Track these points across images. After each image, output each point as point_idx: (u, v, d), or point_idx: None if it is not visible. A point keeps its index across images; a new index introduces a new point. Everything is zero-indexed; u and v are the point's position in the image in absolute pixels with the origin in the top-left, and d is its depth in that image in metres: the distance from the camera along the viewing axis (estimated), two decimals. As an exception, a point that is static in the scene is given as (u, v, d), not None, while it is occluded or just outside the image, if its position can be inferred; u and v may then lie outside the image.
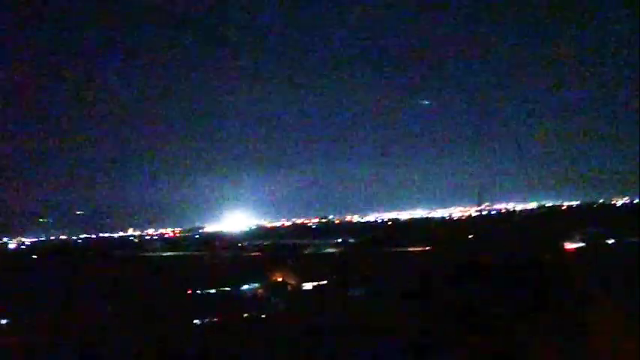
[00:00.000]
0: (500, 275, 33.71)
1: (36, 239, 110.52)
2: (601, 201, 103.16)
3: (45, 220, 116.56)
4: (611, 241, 53.18)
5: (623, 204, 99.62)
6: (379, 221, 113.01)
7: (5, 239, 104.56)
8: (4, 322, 35.66)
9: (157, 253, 79.16)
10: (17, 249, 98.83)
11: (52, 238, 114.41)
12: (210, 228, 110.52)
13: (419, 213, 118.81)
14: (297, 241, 76.84)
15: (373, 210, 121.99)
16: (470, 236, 68.42)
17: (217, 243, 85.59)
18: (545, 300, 27.81)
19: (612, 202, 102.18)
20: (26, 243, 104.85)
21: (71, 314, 34.05)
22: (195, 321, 36.42)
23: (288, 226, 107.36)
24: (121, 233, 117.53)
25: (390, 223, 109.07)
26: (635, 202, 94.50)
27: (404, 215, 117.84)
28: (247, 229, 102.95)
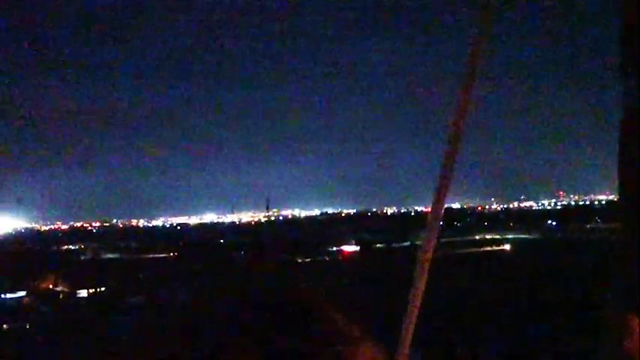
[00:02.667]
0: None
1: None
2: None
3: None
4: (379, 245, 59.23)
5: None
6: (167, 225, 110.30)
7: None
8: None
9: None
10: None
11: None
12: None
13: (209, 218, 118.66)
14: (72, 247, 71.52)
15: (161, 214, 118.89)
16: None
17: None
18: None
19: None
20: None
21: None
22: None
23: (65, 230, 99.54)
24: None
25: (178, 227, 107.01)
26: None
27: (193, 220, 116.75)
28: (12, 231, 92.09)
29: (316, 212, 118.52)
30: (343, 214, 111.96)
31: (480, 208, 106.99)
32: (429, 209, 1.57)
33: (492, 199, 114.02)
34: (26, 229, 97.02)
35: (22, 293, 42.76)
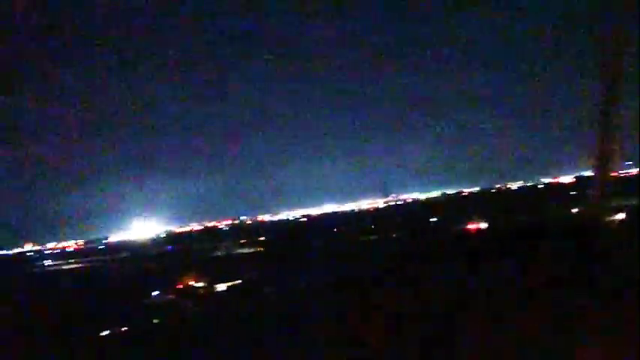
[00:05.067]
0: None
1: None
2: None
3: None
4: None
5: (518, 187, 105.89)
6: (290, 218, 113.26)
7: None
8: None
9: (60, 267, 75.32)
10: None
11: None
12: (115, 237, 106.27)
13: (329, 208, 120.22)
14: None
15: (283, 208, 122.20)
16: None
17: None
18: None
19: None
20: None
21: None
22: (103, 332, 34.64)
23: (199, 230, 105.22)
24: (18, 249, 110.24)
25: (303, 219, 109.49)
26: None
27: (314, 211, 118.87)
28: (155, 236, 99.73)
29: (436, 194, 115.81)
30: (465, 193, 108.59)
31: None
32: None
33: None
34: (166, 232, 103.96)
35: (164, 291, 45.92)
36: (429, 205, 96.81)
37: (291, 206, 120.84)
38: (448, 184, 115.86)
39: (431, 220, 64.99)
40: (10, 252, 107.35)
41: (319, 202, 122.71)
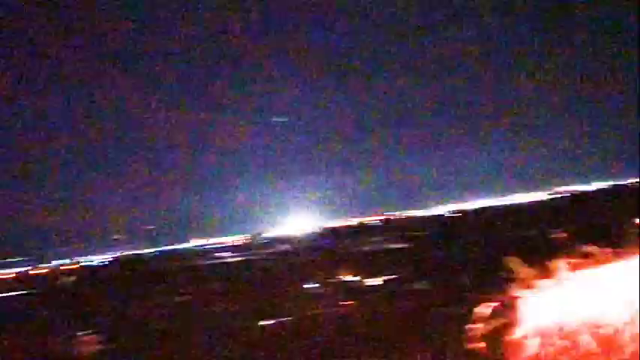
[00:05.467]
0: None
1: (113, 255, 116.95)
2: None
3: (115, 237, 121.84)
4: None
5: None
6: (442, 213, 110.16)
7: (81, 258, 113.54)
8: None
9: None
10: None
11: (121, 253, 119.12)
12: (272, 232, 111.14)
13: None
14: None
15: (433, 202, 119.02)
16: None
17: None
18: None
19: None
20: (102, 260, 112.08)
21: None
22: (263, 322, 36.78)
23: (354, 226, 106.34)
24: (188, 245, 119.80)
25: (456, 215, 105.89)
26: None
27: (466, 206, 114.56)
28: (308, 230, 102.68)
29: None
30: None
31: None
32: None
33: None
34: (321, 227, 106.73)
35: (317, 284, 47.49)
36: None
37: (443, 200, 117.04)
38: None
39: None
40: (186, 246, 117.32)
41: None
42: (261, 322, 37.64)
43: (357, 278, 53.10)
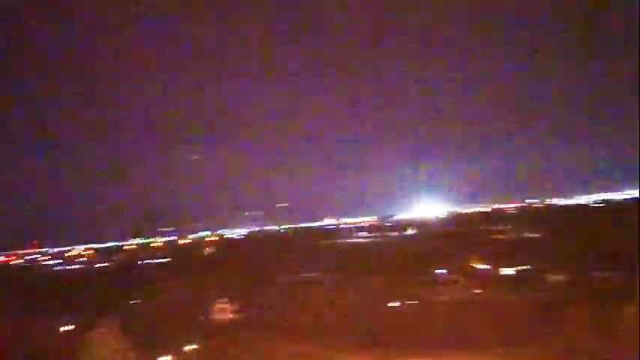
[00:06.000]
0: None
1: (248, 229, 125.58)
2: None
3: (253, 213, 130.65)
4: None
5: None
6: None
7: (224, 230, 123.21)
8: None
9: (352, 240, 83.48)
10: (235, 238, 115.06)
11: (261, 228, 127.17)
12: (401, 216, 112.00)
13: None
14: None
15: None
16: None
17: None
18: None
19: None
20: (242, 233, 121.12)
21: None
22: (391, 303, 37.90)
23: (484, 212, 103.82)
24: (319, 223, 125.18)
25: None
26: None
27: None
28: (440, 215, 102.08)
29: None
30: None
31: None
32: None
33: None
34: (449, 212, 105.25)
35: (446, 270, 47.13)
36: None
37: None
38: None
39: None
40: (314, 224, 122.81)
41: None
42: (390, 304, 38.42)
43: (486, 266, 51.38)
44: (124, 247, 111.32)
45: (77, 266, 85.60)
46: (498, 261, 48.85)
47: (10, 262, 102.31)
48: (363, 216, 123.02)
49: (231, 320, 40.98)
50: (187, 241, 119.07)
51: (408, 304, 38.45)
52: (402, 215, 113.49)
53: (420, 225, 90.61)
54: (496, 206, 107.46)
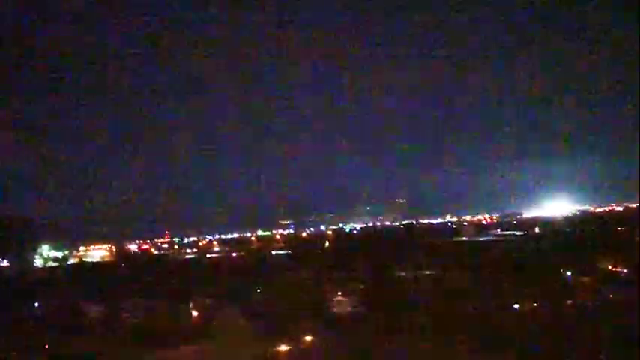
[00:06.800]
0: None
1: (366, 224, 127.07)
2: None
3: (369, 208, 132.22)
4: None
5: None
6: None
7: (341, 225, 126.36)
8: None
9: (472, 238, 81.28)
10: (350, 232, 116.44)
11: (378, 223, 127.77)
12: (528, 214, 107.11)
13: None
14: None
15: None
16: None
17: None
18: None
19: None
20: (357, 228, 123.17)
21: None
22: (515, 305, 36.33)
23: (618, 211, 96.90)
24: (440, 220, 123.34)
25: None
26: None
27: None
28: (568, 214, 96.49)
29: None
30: None
31: None
32: None
33: None
34: (579, 211, 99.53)
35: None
36: None
37: None
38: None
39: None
40: (435, 221, 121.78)
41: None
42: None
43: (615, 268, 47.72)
44: (250, 237, 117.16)
45: (211, 255, 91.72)
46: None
47: (147, 250, 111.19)
48: (485, 213, 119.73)
49: (351, 314, 41.33)
50: (306, 234, 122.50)
51: (535, 306, 36.66)
52: (528, 213, 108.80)
53: (547, 224, 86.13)
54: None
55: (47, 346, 33.31)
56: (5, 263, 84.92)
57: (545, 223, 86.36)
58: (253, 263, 67.11)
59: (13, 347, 31.98)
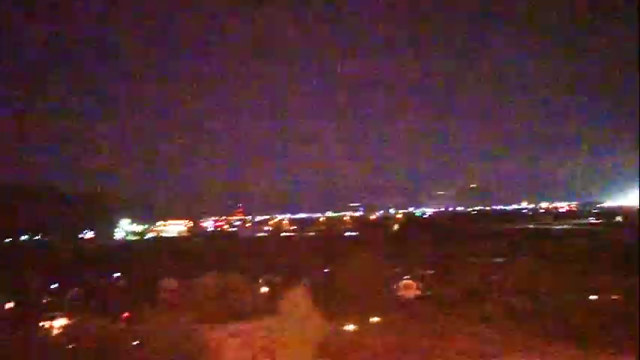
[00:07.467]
0: None
1: (436, 209, 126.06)
2: None
3: (442, 193, 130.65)
4: None
5: None
6: None
7: (411, 209, 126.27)
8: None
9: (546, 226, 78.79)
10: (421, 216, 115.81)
11: (450, 209, 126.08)
12: (610, 203, 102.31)
13: None
14: None
15: None
16: None
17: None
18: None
19: None
20: (428, 212, 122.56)
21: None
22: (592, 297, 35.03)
23: None
24: (514, 206, 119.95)
25: None
26: None
27: None
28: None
29: None
30: None
31: None
32: None
33: None
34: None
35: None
36: None
37: None
38: None
39: None
40: (509, 207, 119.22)
41: None
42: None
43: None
44: (318, 219, 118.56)
45: (281, 234, 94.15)
46: None
47: (222, 228, 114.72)
48: (564, 201, 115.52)
49: (417, 297, 41.15)
50: (375, 217, 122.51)
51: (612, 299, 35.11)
52: (610, 202, 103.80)
53: (630, 214, 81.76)
54: None
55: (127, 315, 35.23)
56: (90, 234, 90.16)
57: (628, 213, 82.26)
58: (322, 244, 67.88)
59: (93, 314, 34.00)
